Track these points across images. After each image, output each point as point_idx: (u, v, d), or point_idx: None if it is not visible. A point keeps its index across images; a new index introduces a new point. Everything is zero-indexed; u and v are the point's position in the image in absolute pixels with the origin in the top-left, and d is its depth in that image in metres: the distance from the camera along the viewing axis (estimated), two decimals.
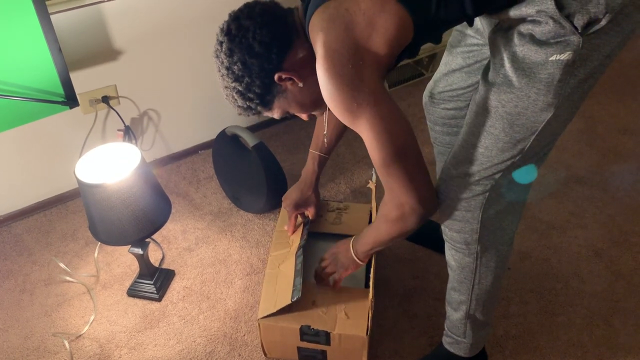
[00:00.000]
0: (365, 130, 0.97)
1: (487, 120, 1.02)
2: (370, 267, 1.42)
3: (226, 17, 1.04)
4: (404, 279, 1.72)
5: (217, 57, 1.04)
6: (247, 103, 1.06)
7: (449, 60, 1.36)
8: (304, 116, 1.15)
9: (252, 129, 2.33)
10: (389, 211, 1.10)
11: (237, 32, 1.00)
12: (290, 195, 1.60)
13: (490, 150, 1.04)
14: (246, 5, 1.04)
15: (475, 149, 1.06)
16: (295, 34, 1.03)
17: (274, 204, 1.94)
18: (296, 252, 1.48)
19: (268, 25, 1.00)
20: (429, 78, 2.67)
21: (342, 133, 1.49)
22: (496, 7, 0.95)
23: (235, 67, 1.01)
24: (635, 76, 2.64)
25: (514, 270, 1.73)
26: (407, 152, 0.99)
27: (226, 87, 1.06)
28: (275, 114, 1.12)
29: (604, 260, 1.76)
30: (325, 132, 1.46)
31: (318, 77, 0.95)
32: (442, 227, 1.21)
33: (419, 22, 0.92)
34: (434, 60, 2.62)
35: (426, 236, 1.76)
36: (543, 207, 1.95)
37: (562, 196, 2.00)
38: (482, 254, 1.19)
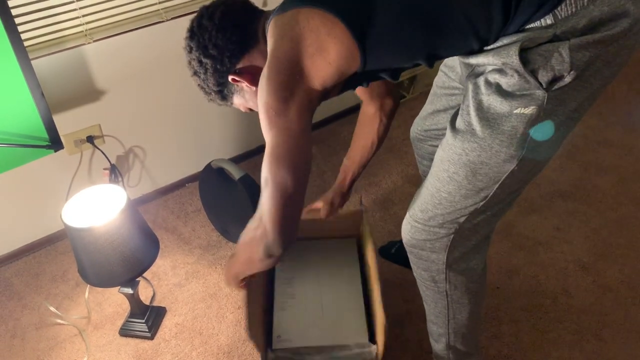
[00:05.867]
0: (267, 144, 0.94)
1: (451, 166, 1.02)
2: (371, 317, 1.44)
3: None
4: (395, 303, 1.73)
5: (184, 48, 1.07)
6: (208, 96, 1.11)
7: (434, 100, 1.36)
8: None
9: (238, 159, 2.35)
10: (252, 226, 1.05)
11: (197, 31, 1.02)
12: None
13: (453, 196, 1.05)
14: (213, 3, 1.05)
15: (440, 192, 1.07)
16: (255, 40, 1.02)
17: None
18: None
19: (225, 29, 1.01)
20: (411, 100, 2.68)
21: (368, 153, 1.42)
22: (460, 52, 0.95)
23: (194, 62, 1.05)
24: (611, 88, 2.69)
25: (503, 289, 1.74)
26: (288, 189, 0.94)
27: (191, 76, 1.10)
28: (241, 108, 1.13)
29: (591, 274, 1.78)
30: None
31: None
32: (411, 263, 1.23)
33: (368, 51, 0.89)
34: (414, 81, 2.65)
35: None
36: (528, 224, 1.98)
37: (547, 211, 2.03)
38: (452, 292, 1.20)
